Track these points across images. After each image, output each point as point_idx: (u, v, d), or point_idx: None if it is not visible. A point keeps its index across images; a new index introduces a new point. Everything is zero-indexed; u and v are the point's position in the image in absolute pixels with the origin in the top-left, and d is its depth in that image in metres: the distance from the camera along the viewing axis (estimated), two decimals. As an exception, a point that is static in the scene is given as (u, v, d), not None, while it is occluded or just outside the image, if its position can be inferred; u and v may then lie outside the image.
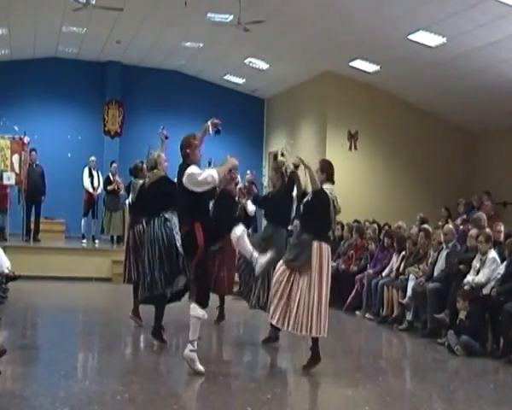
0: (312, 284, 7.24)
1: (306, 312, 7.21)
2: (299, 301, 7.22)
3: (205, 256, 7.16)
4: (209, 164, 12.11)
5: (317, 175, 7.46)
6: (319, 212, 7.37)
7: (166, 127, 9.36)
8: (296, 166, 8.19)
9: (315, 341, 7.39)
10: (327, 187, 7.45)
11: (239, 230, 7.14)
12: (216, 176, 7.03)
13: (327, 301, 7.33)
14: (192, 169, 7.06)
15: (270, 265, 7.54)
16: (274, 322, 7.42)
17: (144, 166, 9.69)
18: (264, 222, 10.25)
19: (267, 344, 8.66)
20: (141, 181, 9.49)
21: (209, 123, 7.48)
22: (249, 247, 7.21)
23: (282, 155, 8.33)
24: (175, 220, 8.25)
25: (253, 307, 8.78)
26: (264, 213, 9.63)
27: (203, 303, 7.06)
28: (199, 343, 7.08)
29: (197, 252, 7.01)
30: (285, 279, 7.33)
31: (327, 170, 7.56)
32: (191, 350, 6.99)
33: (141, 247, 9.14)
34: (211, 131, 7.49)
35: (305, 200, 7.57)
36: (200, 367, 6.99)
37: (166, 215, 8.42)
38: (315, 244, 7.30)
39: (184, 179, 7.06)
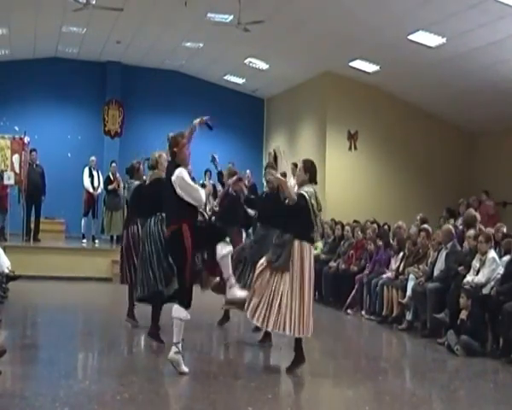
0: (294, 284, 7.17)
1: (289, 312, 7.13)
2: (280, 301, 7.13)
3: (192, 258, 7.11)
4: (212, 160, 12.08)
5: (301, 174, 7.40)
6: (300, 216, 7.28)
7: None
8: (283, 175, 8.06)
9: (298, 341, 7.35)
10: (306, 190, 7.29)
11: (226, 249, 7.15)
12: (203, 199, 7.17)
13: (310, 300, 7.25)
14: (183, 174, 7.05)
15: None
16: (254, 321, 7.32)
17: (141, 166, 9.77)
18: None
19: (264, 344, 8.65)
20: (136, 182, 9.56)
21: (196, 121, 7.43)
22: (230, 270, 7.22)
23: (275, 157, 8.23)
24: None
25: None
26: (257, 214, 9.28)
27: (186, 304, 7.05)
28: (183, 345, 7.08)
29: (184, 254, 6.98)
30: (266, 279, 7.24)
31: (310, 170, 7.41)
32: (176, 352, 6.97)
33: (134, 247, 9.18)
34: (197, 129, 7.41)
35: (286, 202, 7.39)
36: (185, 369, 6.99)
37: (164, 214, 8.37)
38: (296, 243, 7.22)
39: (174, 179, 7.02)
